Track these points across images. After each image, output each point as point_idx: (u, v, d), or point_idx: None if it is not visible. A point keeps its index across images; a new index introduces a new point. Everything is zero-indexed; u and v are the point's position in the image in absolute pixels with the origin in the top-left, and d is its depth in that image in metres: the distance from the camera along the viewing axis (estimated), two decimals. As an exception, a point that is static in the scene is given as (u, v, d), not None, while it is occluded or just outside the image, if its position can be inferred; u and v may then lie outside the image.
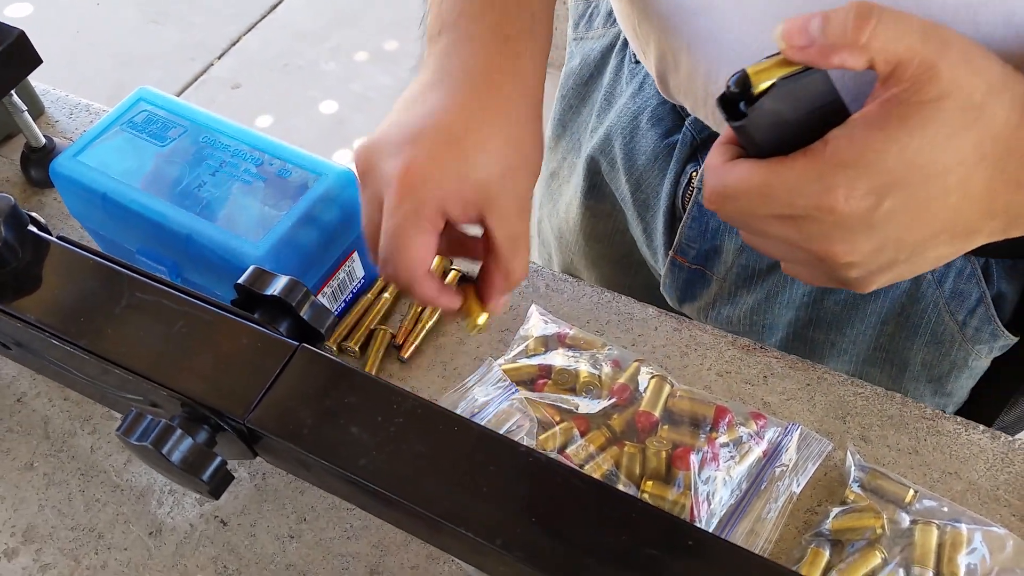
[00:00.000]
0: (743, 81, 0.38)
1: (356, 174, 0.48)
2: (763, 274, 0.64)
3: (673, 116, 0.65)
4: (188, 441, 0.42)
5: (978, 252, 0.55)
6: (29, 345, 0.50)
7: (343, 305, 0.63)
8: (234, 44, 2.62)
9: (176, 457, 0.41)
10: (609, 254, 0.81)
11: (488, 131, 0.45)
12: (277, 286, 0.46)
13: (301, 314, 0.46)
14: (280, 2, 2.74)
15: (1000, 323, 0.58)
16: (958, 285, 0.58)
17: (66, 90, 0.85)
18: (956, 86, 0.37)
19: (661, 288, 0.72)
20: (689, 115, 0.63)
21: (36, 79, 0.81)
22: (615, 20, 0.71)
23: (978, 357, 0.61)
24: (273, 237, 0.55)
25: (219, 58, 2.57)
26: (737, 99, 0.39)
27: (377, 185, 0.46)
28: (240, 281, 0.47)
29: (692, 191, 0.64)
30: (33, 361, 0.53)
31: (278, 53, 2.58)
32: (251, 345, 0.45)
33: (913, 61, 0.37)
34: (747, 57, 0.40)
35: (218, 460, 0.42)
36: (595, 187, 0.76)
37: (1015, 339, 0.60)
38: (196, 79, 2.51)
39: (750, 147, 0.41)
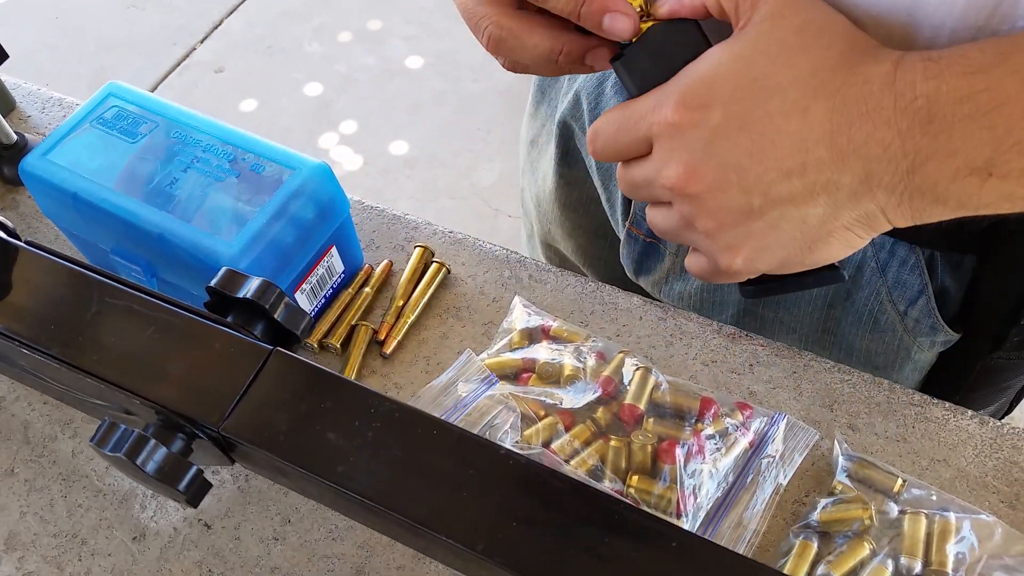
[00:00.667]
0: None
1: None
2: None
3: None
4: (163, 451, 0.41)
5: (922, 243, 0.54)
6: (2, 354, 0.49)
7: (323, 301, 0.62)
8: (216, 27, 2.59)
9: (151, 468, 0.41)
10: (584, 224, 0.80)
11: None
12: (249, 288, 0.45)
13: (275, 316, 0.45)
14: (262, -17, 2.71)
15: (941, 318, 0.57)
16: (901, 275, 0.56)
17: (47, 78, 0.83)
18: (789, 9, 0.39)
19: (620, 258, 0.71)
20: None
21: (10, 71, 0.80)
22: None
23: (920, 349, 0.60)
24: (247, 234, 0.54)
25: (201, 42, 2.54)
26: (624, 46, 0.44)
27: None
28: (211, 284, 0.46)
29: None
30: (6, 369, 0.52)
31: (261, 35, 2.54)
32: (224, 350, 0.44)
33: None
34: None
35: (194, 469, 0.42)
36: (567, 153, 0.75)
37: (956, 335, 0.59)
38: (179, 64, 2.47)
39: (630, 89, 0.44)
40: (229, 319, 0.46)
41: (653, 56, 0.43)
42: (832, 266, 0.45)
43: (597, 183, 0.72)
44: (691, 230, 0.43)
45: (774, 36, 0.39)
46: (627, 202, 0.67)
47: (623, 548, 0.37)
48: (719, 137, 0.40)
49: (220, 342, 0.44)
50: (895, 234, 0.53)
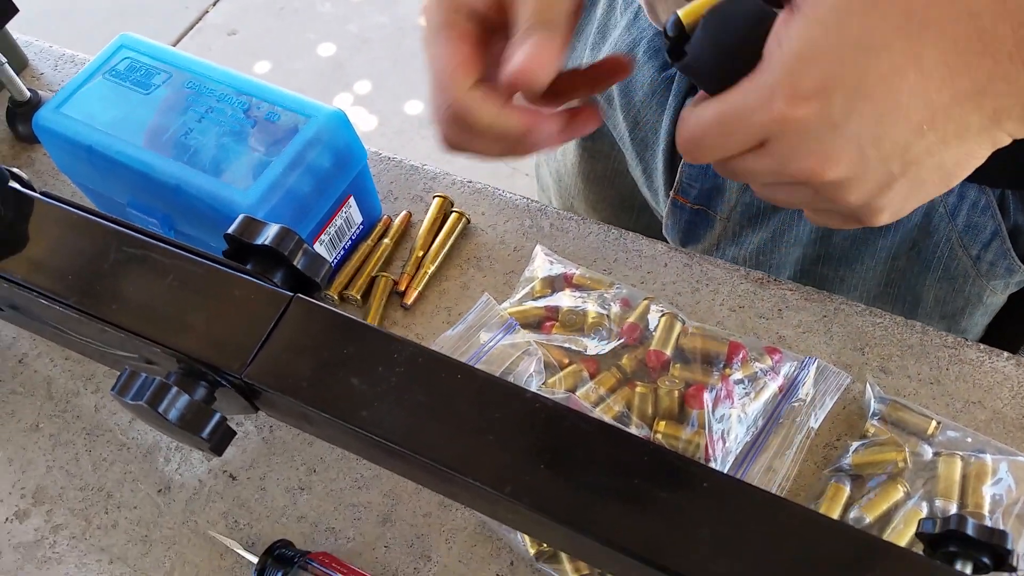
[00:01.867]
0: (677, 24, 0.38)
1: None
2: (768, 212, 0.61)
3: None
4: (184, 398, 0.41)
5: (992, 183, 0.53)
6: (20, 306, 0.48)
7: (342, 253, 0.61)
8: (228, -11, 2.56)
9: (173, 415, 0.40)
10: (609, 196, 0.78)
11: None
12: (268, 235, 0.44)
13: (295, 263, 0.44)
14: (272, -57, 2.67)
15: (1016, 257, 0.56)
16: (972, 218, 0.55)
17: (59, 42, 0.82)
18: None
19: (663, 230, 0.69)
20: None
21: (24, 31, 0.79)
22: None
23: (993, 293, 0.59)
24: (264, 184, 0.53)
25: (213, 5, 2.51)
26: (677, 43, 0.39)
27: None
28: (229, 231, 0.45)
29: None
30: (27, 323, 0.52)
31: (273, -4, 2.51)
32: (244, 297, 0.43)
33: None
34: None
35: (217, 417, 0.41)
36: None
37: None
38: (191, 27, 2.45)
39: (706, 87, 0.40)
40: (248, 267, 0.45)
41: (720, 44, 0.38)
42: None
43: (631, 155, 0.70)
44: (830, 206, 0.41)
45: None
46: (669, 172, 0.66)
47: (652, 489, 0.37)
48: (846, 117, 0.37)
49: (240, 289, 0.43)
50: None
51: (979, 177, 0.52)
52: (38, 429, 0.58)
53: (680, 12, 0.38)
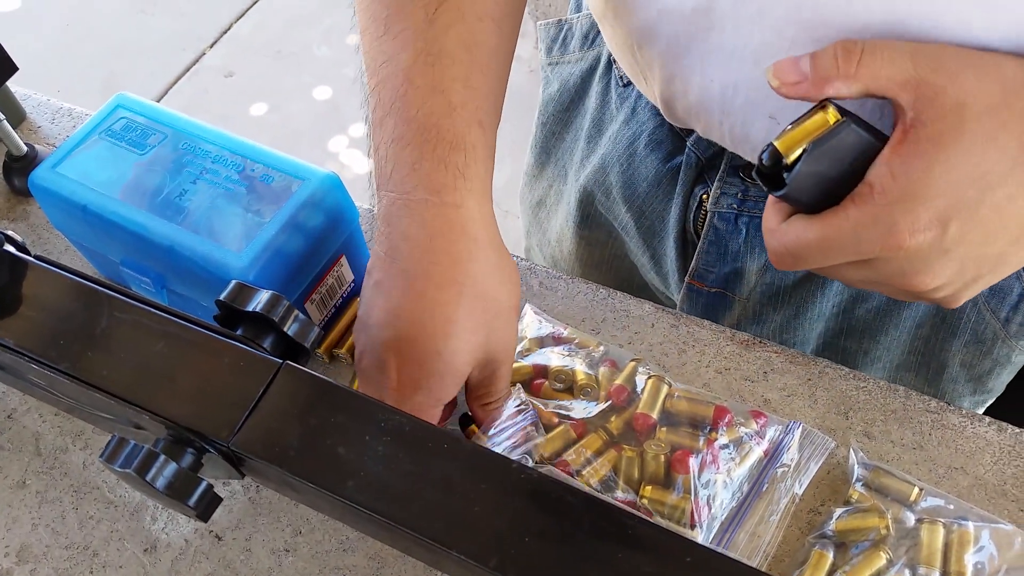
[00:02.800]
0: (774, 155, 0.40)
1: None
2: (789, 290, 0.62)
3: (673, 138, 0.63)
4: (172, 466, 0.41)
5: None
6: (11, 367, 0.49)
7: (333, 311, 0.62)
8: (225, 32, 2.60)
9: (161, 483, 0.40)
10: (608, 279, 0.79)
11: (452, 312, 0.47)
12: (259, 301, 0.45)
13: (285, 329, 0.45)
14: (270, -13, 2.71)
15: None
16: (998, 282, 0.56)
17: (57, 84, 0.83)
18: (968, 93, 0.37)
19: None
20: (691, 135, 0.61)
21: (20, 81, 0.80)
22: (592, 42, 0.69)
23: (1021, 352, 0.60)
24: (257, 246, 0.54)
25: (211, 47, 2.55)
26: (771, 171, 0.40)
27: (376, 371, 0.49)
28: (221, 297, 0.46)
29: (705, 214, 0.62)
30: (17, 382, 0.52)
31: (270, 39, 2.55)
32: (234, 364, 0.43)
33: (910, 82, 0.37)
34: (768, 63, 0.41)
35: (204, 484, 0.41)
36: (589, 217, 0.74)
37: None
38: (188, 69, 2.48)
39: (799, 207, 0.42)
40: (239, 332, 0.46)
41: (821, 175, 0.40)
42: None
43: (635, 244, 0.71)
44: (914, 299, 0.45)
45: (969, 126, 0.38)
46: (682, 259, 0.67)
47: (637, 563, 0.37)
48: (957, 244, 0.40)
49: (229, 356, 0.44)
50: None
51: None
52: (25, 486, 0.58)
53: (776, 142, 0.40)
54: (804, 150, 0.39)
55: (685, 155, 0.62)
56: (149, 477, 0.40)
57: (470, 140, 0.48)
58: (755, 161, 0.41)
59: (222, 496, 0.43)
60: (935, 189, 0.38)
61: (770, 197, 0.43)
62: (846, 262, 0.42)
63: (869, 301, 0.60)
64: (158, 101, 2.38)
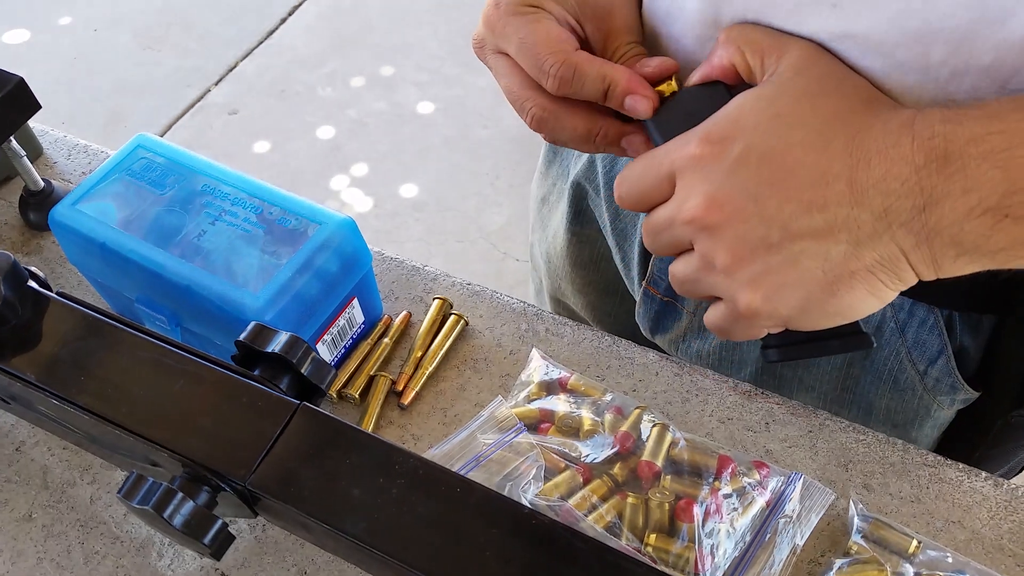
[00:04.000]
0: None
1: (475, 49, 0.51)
2: None
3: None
4: (189, 504, 0.42)
5: (940, 303, 0.55)
6: (28, 402, 0.49)
7: (343, 351, 0.63)
8: (231, 70, 2.63)
9: (178, 521, 0.41)
10: (595, 281, 0.81)
11: None
12: (278, 343, 0.46)
13: (302, 371, 0.46)
14: (277, 27, 2.76)
15: (960, 377, 0.58)
16: (920, 335, 0.57)
17: (63, 117, 0.85)
18: (812, 61, 0.42)
19: (636, 317, 0.72)
20: None
21: (34, 117, 0.81)
22: None
23: (940, 407, 0.61)
24: (273, 287, 0.55)
25: (216, 84, 2.58)
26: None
27: (490, 45, 0.49)
28: (240, 338, 0.47)
29: None
30: (32, 416, 0.53)
31: (275, 79, 2.58)
32: (251, 404, 0.44)
33: (763, 42, 0.43)
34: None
35: (219, 523, 0.42)
36: (580, 212, 0.76)
37: (976, 394, 0.59)
38: (192, 105, 2.51)
39: (657, 143, 0.46)
40: (256, 372, 0.47)
41: (682, 113, 0.45)
42: (858, 331, 0.45)
43: (612, 243, 0.73)
44: (710, 271, 0.43)
45: (797, 82, 0.41)
46: (643, 262, 0.68)
47: (645, 610, 0.38)
48: (739, 167, 0.41)
49: (247, 396, 0.45)
50: (913, 294, 0.54)
51: (926, 297, 0.54)
52: (31, 519, 0.58)
53: (661, 87, 0.46)
54: (682, 89, 0.46)
55: None
56: (167, 515, 0.41)
57: None
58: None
59: (233, 535, 0.43)
60: (737, 113, 0.42)
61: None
62: (657, 186, 0.44)
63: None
64: (162, 136, 2.41)
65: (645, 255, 0.68)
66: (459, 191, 2.26)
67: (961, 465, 0.56)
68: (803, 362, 0.63)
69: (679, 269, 0.46)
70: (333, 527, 0.40)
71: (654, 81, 0.47)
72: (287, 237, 0.58)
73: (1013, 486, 0.54)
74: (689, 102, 0.45)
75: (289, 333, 0.47)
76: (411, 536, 0.40)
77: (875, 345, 0.56)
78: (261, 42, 2.72)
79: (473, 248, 2.13)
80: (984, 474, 0.55)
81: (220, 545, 0.42)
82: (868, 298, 0.42)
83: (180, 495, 0.41)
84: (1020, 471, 0.72)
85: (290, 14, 2.79)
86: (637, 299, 0.71)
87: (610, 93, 0.46)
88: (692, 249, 0.44)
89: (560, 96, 0.47)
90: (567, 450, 0.56)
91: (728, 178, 0.41)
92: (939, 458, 0.56)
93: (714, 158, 0.41)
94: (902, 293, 0.42)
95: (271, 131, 2.42)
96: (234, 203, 0.60)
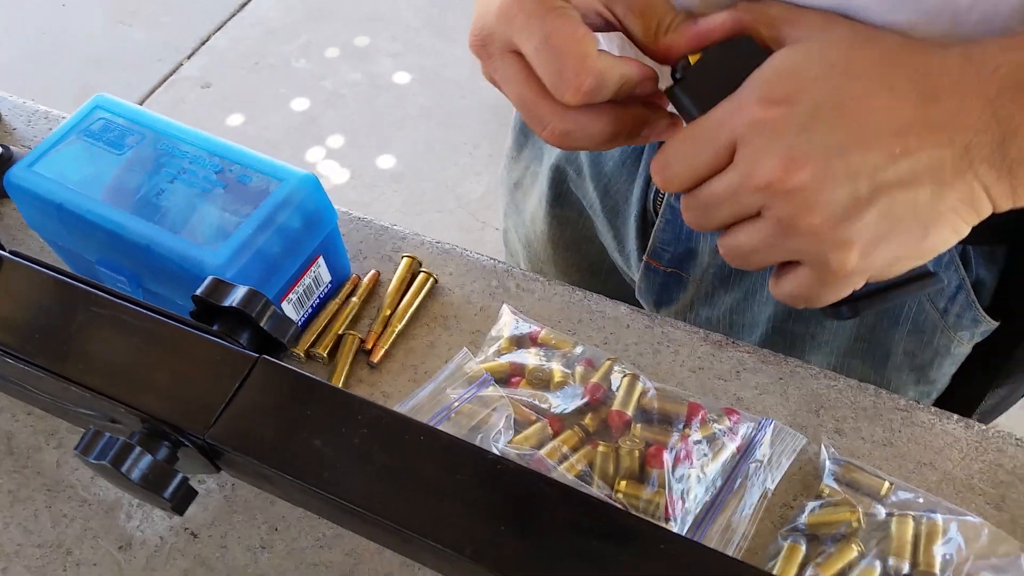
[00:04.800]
0: (684, 64, 0.42)
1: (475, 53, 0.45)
2: (740, 272, 0.63)
3: None
4: (148, 459, 0.41)
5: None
6: (-16, 364, 0.48)
7: (310, 311, 0.62)
8: (203, 43, 2.59)
9: (136, 475, 0.40)
10: (579, 261, 0.80)
11: None
12: (236, 296, 0.45)
13: (261, 324, 0.45)
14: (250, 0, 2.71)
15: (980, 309, 0.58)
16: (938, 272, 0.57)
17: (33, 94, 0.83)
18: (833, 20, 0.41)
19: (636, 294, 0.71)
20: None
21: (-8, 86, 0.79)
22: None
23: (960, 343, 0.61)
24: (233, 244, 0.54)
25: (188, 58, 2.54)
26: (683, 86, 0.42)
27: (500, 40, 0.43)
28: (197, 293, 0.46)
29: (664, 194, 0.63)
30: (-10, 379, 0.52)
31: (248, 51, 2.55)
32: (210, 358, 0.43)
33: (777, 15, 0.41)
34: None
35: (179, 477, 0.41)
36: (561, 195, 0.75)
37: (995, 324, 0.60)
38: (165, 80, 2.47)
39: (693, 115, 0.42)
40: (215, 328, 0.46)
41: (713, 75, 0.41)
42: (927, 271, 0.43)
43: (600, 223, 0.72)
44: (792, 235, 0.39)
45: (833, 37, 0.39)
46: (641, 237, 0.67)
47: (611, 551, 0.37)
48: (815, 122, 0.38)
49: (205, 350, 0.44)
50: None
51: None
52: (-3, 487, 0.57)
53: (689, 56, 0.42)
54: (706, 49, 0.42)
55: None
56: (124, 469, 0.40)
57: None
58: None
59: (198, 491, 0.43)
60: (790, 69, 0.39)
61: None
62: (713, 162, 0.40)
63: None
64: (134, 111, 2.38)
65: (642, 230, 0.67)
66: (437, 161, 2.24)
67: (933, 408, 0.56)
68: (816, 317, 0.63)
69: (744, 239, 0.41)
70: (295, 478, 0.39)
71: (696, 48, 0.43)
72: (248, 194, 0.57)
73: (983, 428, 0.55)
74: (719, 65, 0.41)
75: (247, 287, 0.46)
76: (374, 484, 0.39)
77: (944, 281, 0.54)
78: (234, 14, 2.68)
79: (452, 218, 2.12)
80: (956, 417, 0.55)
81: (181, 499, 0.42)
82: (951, 237, 0.40)
83: (138, 450, 0.40)
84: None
85: (262, -15, 2.74)
86: (636, 276, 0.70)
87: (631, 90, 0.43)
88: (758, 216, 0.40)
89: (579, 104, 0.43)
90: (537, 402, 0.56)
91: (805, 136, 0.38)
92: (911, 403, 0.56)
93: (783, 119, 0.38)
94: None
95: (245, 104, 2.39)
96: (193, 161, 0.59)
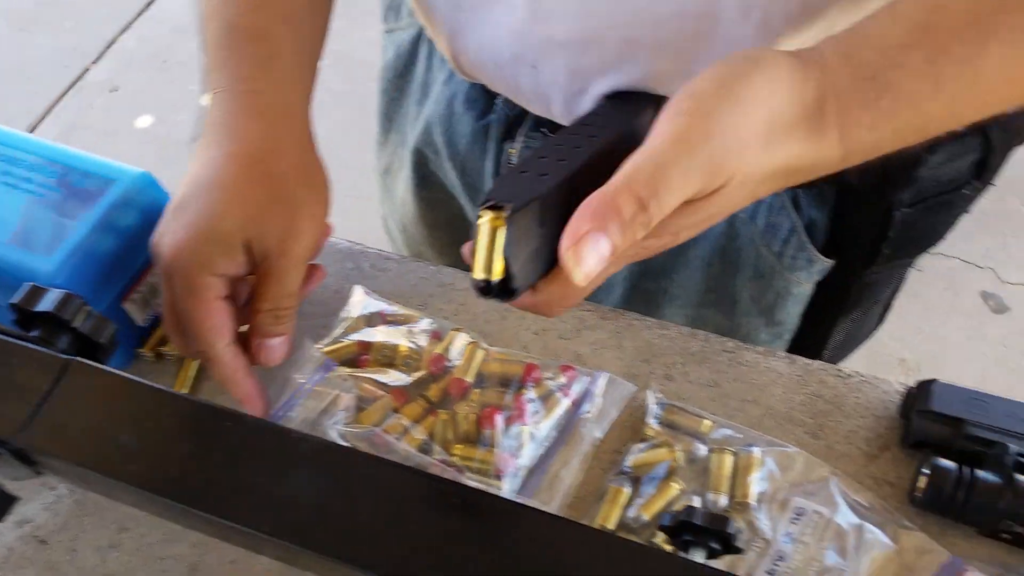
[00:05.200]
0: (484, 284, 0.39)
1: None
2: None
3: (485, 97, 0.66)
4: (-39, 468, 0.42)
5: None
6: None
7: (158, 311, 0.63)
8: (110, 46, 2.54)
9: (-53, 485, 0.41)
10: (455, 240, 0.81)
11: (228, 177, 0.49)
12: (49, 301, 0.46)
13: (77, 327, 0.46)
14: (154, -2, 2.66)
15: (814, 249, 0.61)
16: (770, 218, 0.60)
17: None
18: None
19: None
20: (498, 94, 0.64)
21: None
22: None
23: (799, 284, 0.64)
24: (66, 248, 0.55)
25: (95, 62, 2.49)
26: (498, 289, 0.39)
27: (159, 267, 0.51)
28: (13, 300, 0.46)
29: None
30: None
31: (156, 50, 2.50)
32: (22, 364, 0.44)
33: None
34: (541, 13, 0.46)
35: (-6, 484, 0.42)
36: (425, 178, 0.76)
37: (831, 262, 0.62)
38: (72, 85, 2.42)
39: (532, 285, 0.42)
40: (34, 334, 0.46)
41: (526, 257, 0.39)
42: None
43: (464, 201, 0.74)
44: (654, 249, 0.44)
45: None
46: None
47: (433, 519, 0.38)
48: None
49: (18, 356, 0.44)
50: None
51: None
52: None
53: (478, 276, 0.39)
54: (504, 259, 0.38)
55: (495, 112, 0.64)
56: (-65, 480, 0.41)
57: (274, 32, 0.51)
58: (507, 212, 0.38)
59: (19, 497, 0.44)
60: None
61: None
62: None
63: None
64: (40, 120, 2.33)
65: None
66: (351, 147, 2.23)
67: (760, 348, 0.58)
68: (664, 273, 0.65)
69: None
70: (101, 473, 0.41)
71: None
72: (82, 197, 0.57)
73: (807, 363, 0.57)
74: (520, 245, 0.38)
75: (62, 291, 0.46)
76: (177, 472, 0.41)
77: None
78: (140, 14, 2.63)
79: (369, 204, 2.11)
80: (781, 354, 0.58)
81: None
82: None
83: (-51, 460, 0.41)
84: (875, 327, 0.76)
85: (165, -18, 2.69)
86: None
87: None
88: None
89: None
90: (383, 378, 0.57)
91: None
92: (739, 344, 0.58)
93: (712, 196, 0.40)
94: None
95: (154, 105, 2.35)
96: (32, 169, 0.59)
